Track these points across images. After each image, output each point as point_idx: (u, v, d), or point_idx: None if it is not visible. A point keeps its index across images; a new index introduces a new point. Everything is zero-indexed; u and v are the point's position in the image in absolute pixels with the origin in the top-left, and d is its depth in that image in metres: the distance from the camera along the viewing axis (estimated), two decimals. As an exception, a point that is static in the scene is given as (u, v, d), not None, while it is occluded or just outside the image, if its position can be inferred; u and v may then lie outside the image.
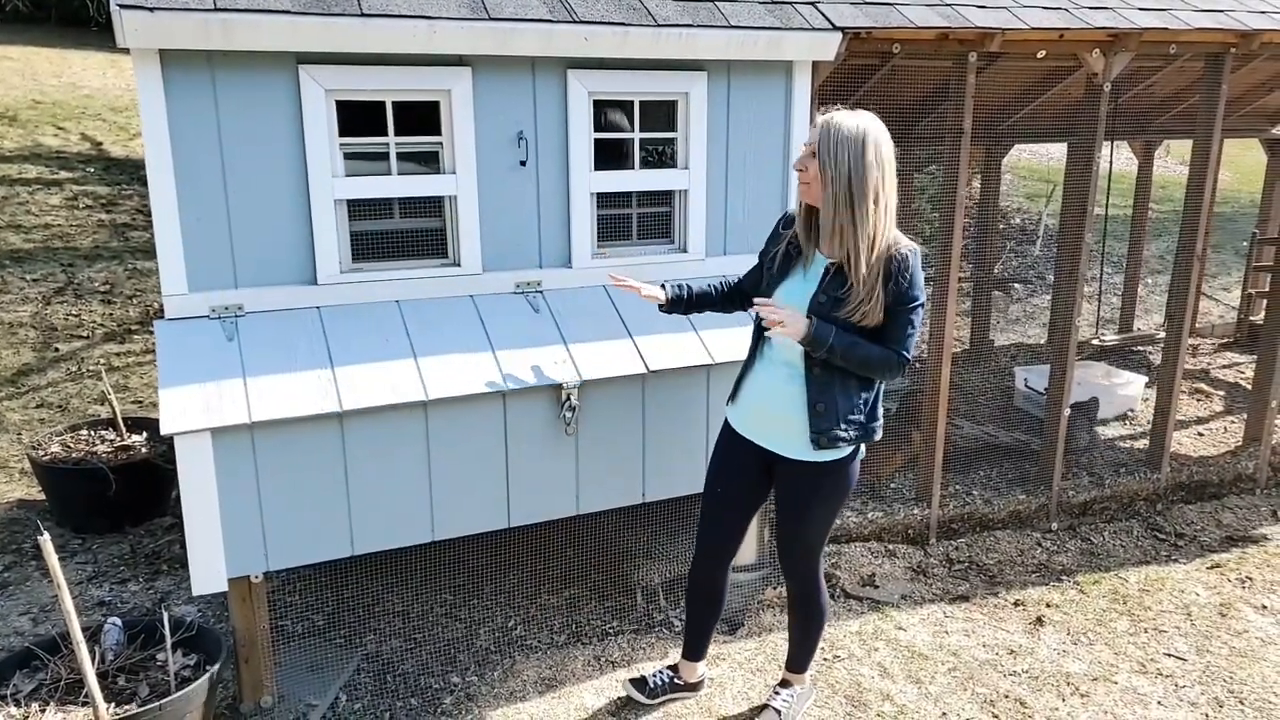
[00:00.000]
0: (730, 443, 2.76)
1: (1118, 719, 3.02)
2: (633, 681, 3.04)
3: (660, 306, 2.88)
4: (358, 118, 2.87)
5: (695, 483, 3.13)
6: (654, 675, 3.04)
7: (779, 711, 2.89)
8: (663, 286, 2.86)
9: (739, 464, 2.74)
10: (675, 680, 3.03)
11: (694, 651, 3.02)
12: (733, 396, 2.77)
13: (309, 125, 2.78)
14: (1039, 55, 3.90)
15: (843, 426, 2.54)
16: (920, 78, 4.76)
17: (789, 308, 2.50)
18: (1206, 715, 3.05)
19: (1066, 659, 3.33)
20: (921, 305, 2.51)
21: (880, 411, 2.64)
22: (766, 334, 2.59)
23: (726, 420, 2.79)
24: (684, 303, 2.87)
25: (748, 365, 2.73)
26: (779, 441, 2.62)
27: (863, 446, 2.66)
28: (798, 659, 2.94)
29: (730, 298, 2.90)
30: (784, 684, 2.97)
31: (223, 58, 2.66)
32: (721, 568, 2.89)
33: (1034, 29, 3.57)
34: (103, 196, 7.74)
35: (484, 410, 2.88)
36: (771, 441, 2.64)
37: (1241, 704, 3.11)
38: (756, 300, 2.58)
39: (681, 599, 3.51)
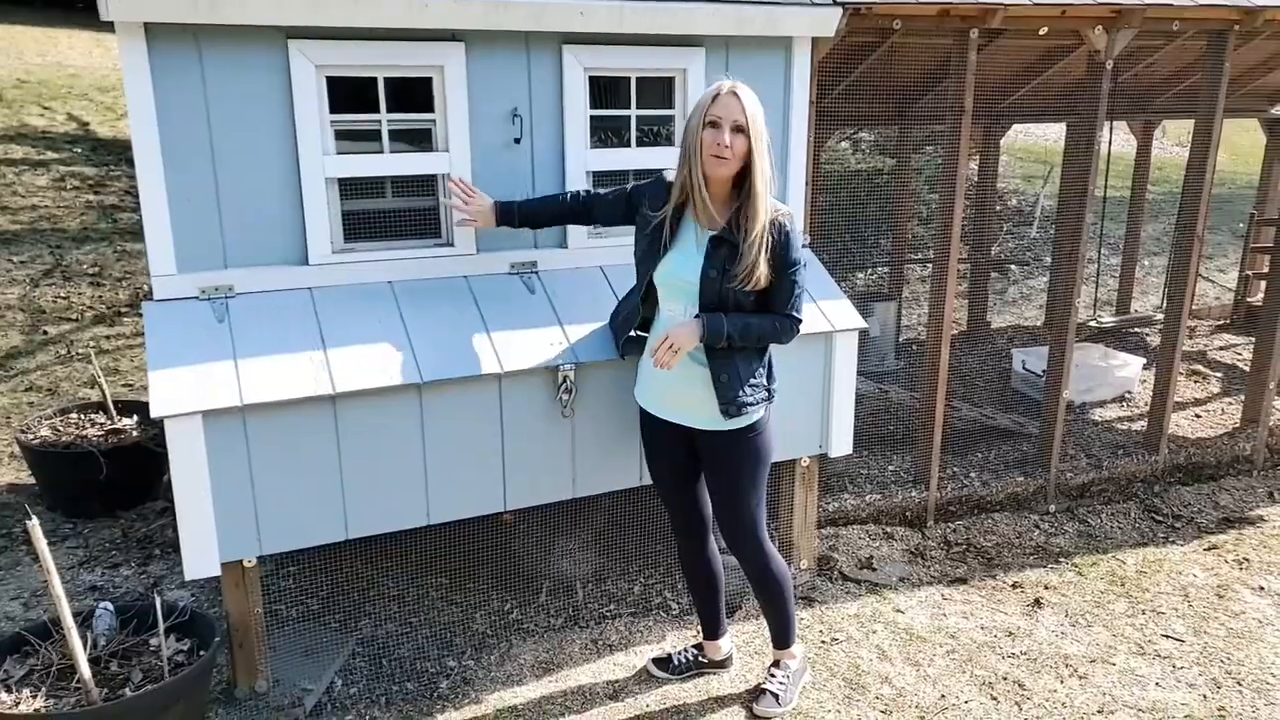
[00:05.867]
0: (650, 426, 2.81)
1: (1116, 700, 3.01)
2: (656, 660, 3.06)
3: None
4: (349, 94, 2.81)
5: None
6: (679, 653, 3.07)
7: (776, 695, 2.88)
8: (496, 204, 2.86)
9: (665, 444, 2.79)
10: (700, 658, 3.06)
11: (710, 631, 3.05)
12: (639, 379, 2.81)
13: (299, 102, 2.72)
14: (1040, 32, 3.85)
15: (746, 391, 2.61)
16: (919, 56, 4.70)
17: (672, 329, 2.54)
18: (1204, 696, 3.05)
19: (1064, 641, 3.32)
20: (803, 266, 2.60)
21: (776, 372, 2.73)
22: (654, 359, 2.59)
23: (641, 406, 2.82)
24: (515, 217, 2.87)
25: (646, 347, 2.75)
26: (692, 417, 2.68)
27: (772, 410, 2.72)
28: (779, 634, 2.96)
29: (574, 217, 2.94)
30: (776, 664, 2.97)
31: (209, 32, 2.60)
32: (701, 544, 2.93)
33: (1037, 4, 3.52)
34: (90, 178, 7.65)
35: (479, 393, 2.84)
36: (684, 418, 2.70)
37: (1239, 685, 3.11)
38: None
39: (678, 582, 3.50)
